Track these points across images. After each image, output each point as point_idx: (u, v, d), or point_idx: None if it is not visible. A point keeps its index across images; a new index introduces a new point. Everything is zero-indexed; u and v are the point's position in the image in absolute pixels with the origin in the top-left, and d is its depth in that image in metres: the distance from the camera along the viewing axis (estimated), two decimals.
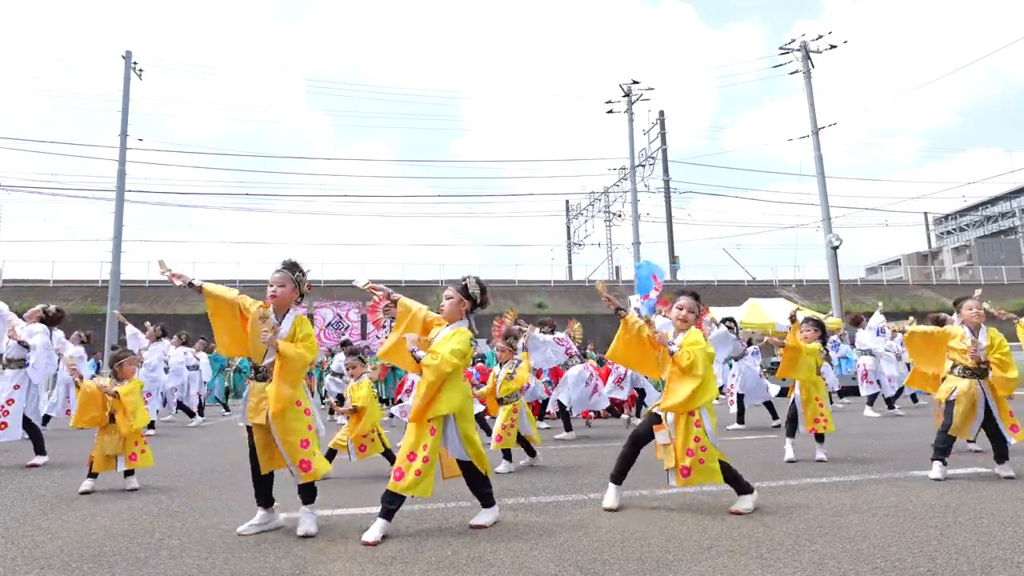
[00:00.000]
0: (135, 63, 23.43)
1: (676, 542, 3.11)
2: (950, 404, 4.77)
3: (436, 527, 3.52)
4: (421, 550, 3.06)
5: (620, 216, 33.81)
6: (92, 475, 4.79)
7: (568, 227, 41.67)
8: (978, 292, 5.09)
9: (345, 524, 3.62)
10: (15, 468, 6.00)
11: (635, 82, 26.83)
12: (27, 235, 64.45)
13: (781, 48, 23.63)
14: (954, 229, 69.52)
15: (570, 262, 41.51)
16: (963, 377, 4.79)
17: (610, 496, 3.92)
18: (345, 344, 11.63)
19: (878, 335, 10.21)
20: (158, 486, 4.91)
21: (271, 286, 3.54)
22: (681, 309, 4.02)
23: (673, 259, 27.52)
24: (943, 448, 4.72)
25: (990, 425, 4.73)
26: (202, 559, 2.98)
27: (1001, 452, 4.69)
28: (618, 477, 3.97)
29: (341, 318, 21.41)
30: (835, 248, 21.46)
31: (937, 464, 4.66)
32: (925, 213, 54.22)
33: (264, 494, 3.51)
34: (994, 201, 64.00)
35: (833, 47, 22.92)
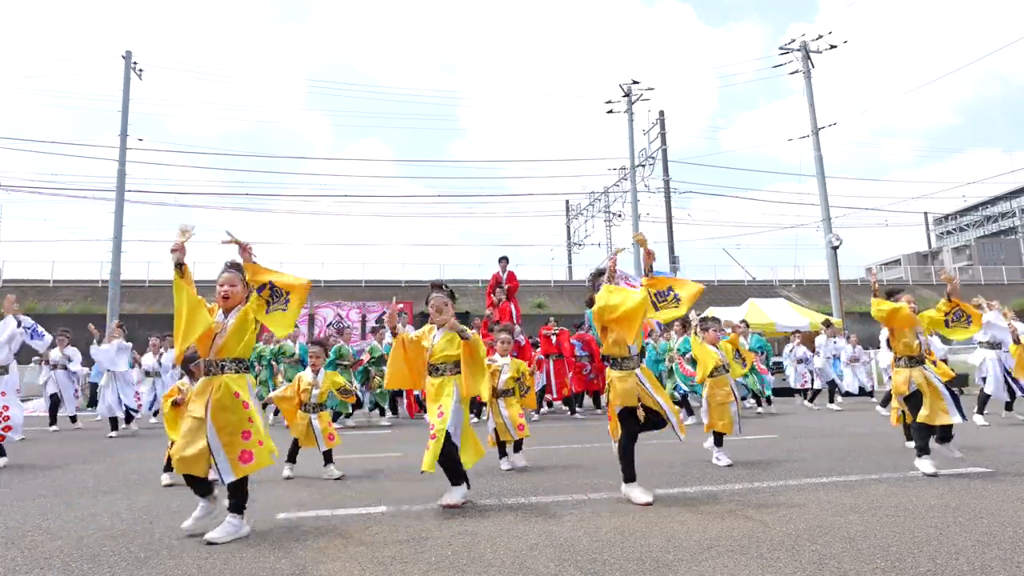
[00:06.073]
0: (135, 63, 23.40)
1: (676, 542, 3.11)
2: (915, 395, 4.95)
3: (436, 527, 3.52)
4: (421, 550, 3.06)
5: (620, 216, 33.78)
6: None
7: (568, 227, 41.64)
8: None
9: (345, 524, 3.62)
10: (15, 468, 6.00)
11: (635, 82, 26.81)
12: (27, 235, 64.29)
13: (781, 48, 23.61)
14: (954, 229, 69.54)
15: (570, 262, 41.45)
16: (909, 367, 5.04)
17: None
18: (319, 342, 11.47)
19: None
20: (157, 486, 4.91)
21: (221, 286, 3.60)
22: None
23: (673, 259, 27.49)
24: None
25: None
26: (202, 559, 2.98)
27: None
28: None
29: (341, 318, 21.36)
30: (835, 248, 21.43)
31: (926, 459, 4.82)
32: (925, 213, 54.18)
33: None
34: (994, 201, 64.02)
35: (833, 47, 22.89)
